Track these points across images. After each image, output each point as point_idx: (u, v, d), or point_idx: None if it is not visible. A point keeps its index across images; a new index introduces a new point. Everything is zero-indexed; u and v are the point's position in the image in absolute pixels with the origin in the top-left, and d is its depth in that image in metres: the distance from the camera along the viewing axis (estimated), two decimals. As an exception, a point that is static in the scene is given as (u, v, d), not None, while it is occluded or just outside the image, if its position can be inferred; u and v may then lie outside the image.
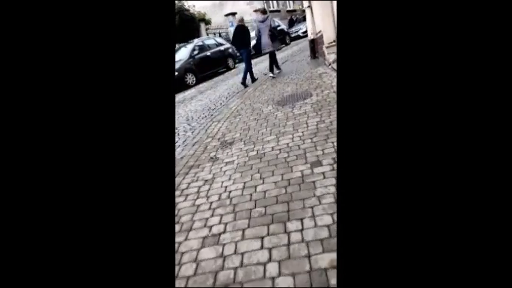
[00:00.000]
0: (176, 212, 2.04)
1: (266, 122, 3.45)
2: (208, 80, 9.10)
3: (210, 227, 1.78)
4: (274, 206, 1.83)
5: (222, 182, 2.31)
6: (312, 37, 7.40)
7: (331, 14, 5.69)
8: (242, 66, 7.65)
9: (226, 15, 16.22)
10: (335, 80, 4.36)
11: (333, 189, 1.82)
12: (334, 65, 5.13)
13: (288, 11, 21.60)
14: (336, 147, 2.32)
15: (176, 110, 5.80)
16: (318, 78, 4.95)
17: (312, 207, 1.71)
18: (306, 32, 11.24)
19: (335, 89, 3.91)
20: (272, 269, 1.36)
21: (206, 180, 2.41)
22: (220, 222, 1.80)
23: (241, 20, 6.66)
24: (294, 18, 17.87)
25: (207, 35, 14.41)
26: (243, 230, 1.67)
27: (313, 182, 1.96)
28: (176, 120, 4.94)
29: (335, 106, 3.24)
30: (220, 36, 14.59)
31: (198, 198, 2.17)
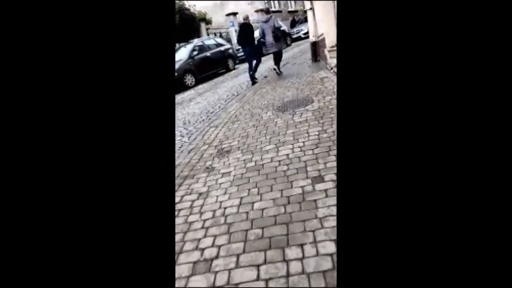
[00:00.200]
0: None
1: (265, 130, 3.30)
2: (208, 81, 8.96)
3: (202, 250, 1.64)
4: (272, 227, 1.68)
5: (217, 197, 2.16)
6: (313, 40, 7.25)
7: (333, 17, 5.56)
8: (242, 67, 7.52)
9: (227, 15, 16.06)
10: (337, 85, 4.22)
11: (336, 211, 1.68)
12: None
13: (289, 12, 21.46)
14: (339, 161, 2.18)
15: (173, 112, 5.65)
16: (319, 83, 4.80)
17: (313, 231, 1.57)
18: (307, 33, 11.10)
19: (337, 95, 3.77)
20: (269, 305, 1.22)
21: (200, 194, 2.27)
22: (213, 245, 1.66)
23: (247, 17, 6.59)
24: (296, 19, 17.73)
25: (208, 35, 14.25)
26: (238, 256, 1.53)
27: (315, 200, 1.82)
28: (173, 124, 4.80)
29: (337, 114, 3.10)
30: (220, 36, 14.45)
31: (190, 214, 2.03)
